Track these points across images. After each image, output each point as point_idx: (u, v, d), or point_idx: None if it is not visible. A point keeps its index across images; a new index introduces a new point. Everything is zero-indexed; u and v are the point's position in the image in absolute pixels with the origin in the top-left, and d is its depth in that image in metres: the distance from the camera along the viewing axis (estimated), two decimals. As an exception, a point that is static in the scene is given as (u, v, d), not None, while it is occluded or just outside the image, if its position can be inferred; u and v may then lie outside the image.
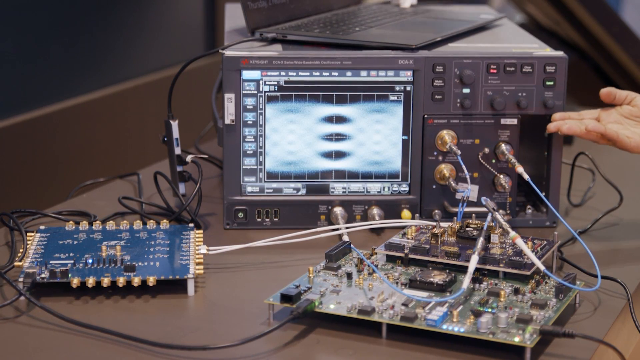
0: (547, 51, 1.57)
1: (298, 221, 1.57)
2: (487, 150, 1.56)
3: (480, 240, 1.32)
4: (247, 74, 1.53)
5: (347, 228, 1.53)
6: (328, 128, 1.56)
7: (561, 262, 1.44)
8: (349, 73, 1.54)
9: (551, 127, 1.52)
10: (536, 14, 2.81)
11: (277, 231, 1.53)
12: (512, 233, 1.32)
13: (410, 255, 1.37)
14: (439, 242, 1.38)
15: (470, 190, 1.52)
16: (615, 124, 1.51)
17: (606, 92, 1.53)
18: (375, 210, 1.57)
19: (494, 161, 1.56)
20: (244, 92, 1.53)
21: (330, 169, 1.57)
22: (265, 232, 1.55)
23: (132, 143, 2.54)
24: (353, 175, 1.57)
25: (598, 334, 1.22)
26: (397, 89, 1.55)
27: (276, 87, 1.54)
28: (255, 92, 1.53)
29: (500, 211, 1.53)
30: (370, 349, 1.21)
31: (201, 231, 1.47)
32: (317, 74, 1.53)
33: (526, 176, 1.49)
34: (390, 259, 1.39)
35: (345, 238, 1.50)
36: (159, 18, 2.75)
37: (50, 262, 1.36)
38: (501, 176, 1.56)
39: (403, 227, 1.47)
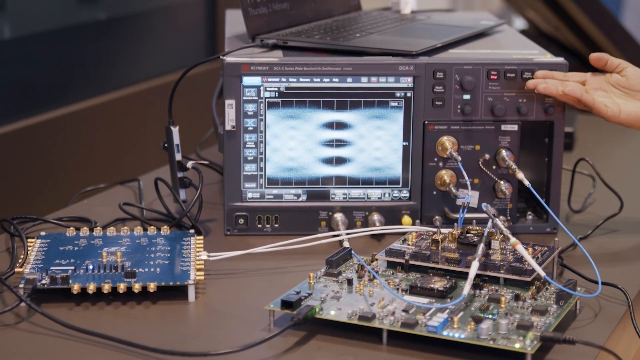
0: (548, 57, 1.57)
1: (298, 227, 1.57)
2: (487, 156, 1.56)
3: (481, 246, 1.32)
4: (247, 80, 1.53)
5: (347, 234, 1.53)
6: (328, 134, 1.56)
7: (562, 269, 1.44)
8: (349, 79, 1.54)
9: (529, 83, 1.51)
10: (536, 20, 2.81)
11: (277, 237, 1.53)
12: (513, 239, 1.32)
13: (411, 262, 1.37)
14: (440, 248, 1.38)
15: (470, 197, 1.52)
16: (599, 90, 1.50)
17: (596, 56, 1.51)
18: (375, 217, 1.57)
19: (494, 167, 1.56)
20: (244, 98, 1.53)
21: (330, 175, 1.57)
22: (265, 238, 1.55)
23: (133, 149, 2.54)
24: (353, 182, 1.57)
25: (599, 340, 1.22)
26: (398, 95, 1.55)
27: (277, 93, 1.54)
28: (256, 98, 1.54)
29: (501, 217, 1.53)
30: (371, 355, 1.21)
31: (202, 237, 1.47)
32: (318, 80, 1.54)
33: (527, 182, 1.49)
34: (390, 265, 1.39)
35: (346, 244, 1.50)
36: (160, 24, 2.76)
37: (51, 268, 1.36)
38: (502, 182, 1.56)
39: (403, 233, 1.47)
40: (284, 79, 1.53)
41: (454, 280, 1.32)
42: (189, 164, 1.58)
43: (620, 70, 1.51)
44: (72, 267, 1.36)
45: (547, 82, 1.49)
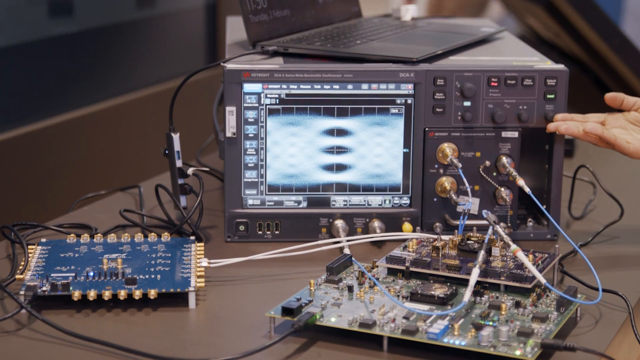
0: (548, 64, 1.57)
1: (299, 234, 1.57)
2: (488, 163, 1.56)
3: (482, 253, 1.32)
4: (248, 87, 1.53)
5: (348, 241, 1.53)
6: (329, 141, 1.56)
7: (562, 275, 1.44)
8: (350, 86, 1.54)
9: (551, 126, 1.53)
10: (537, 27, 2.82)
11: (278, 244, 1.53)
12: (513, 246, 1.32)
13: (412, 268, 1.37)
14: (440, 255, 1.38)
15: (471, 203, 1.52)
16: (619, 128, 1.51)
17: (612, 96, 1.53)
18: (376, 223, 1.57)
19: (495, 174, 1.56)
20: (245, 105, 1.54)
21: (331, 181, 1.57)
22: (266, 244, 1.55)
23: (134, 156, 2.54)
24: (354, 188, 1.57)
25: (599, 347, 1.22)
26: (398, 101, 1.55)
27: (277, 100, 1.54)
28: (257, 105, 1.54)
29: (502, 224, 1.53)
30: (372, 362, 1.21)
31: (202, 244, 1.47)
32: (319, 86, 1.54)
33: (527, 189, 1.49)
34: (391, 272, 1.39)
35: (347, 251, 1.50)
36: (161, 31, 2.76)
37: (52, 275, 1.36)
38: (502, 189, 1.56)
39: (404, 240, 1.47)
40: (284, 86, 1.53)
41: (454, 287, 1.32)
42: (190, 171, 1.58)
43: (638, 108, 1.52)
44: (73, 274, 1.36)
45: (567, 124, 1.51)
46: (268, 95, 1.53)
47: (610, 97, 1.53)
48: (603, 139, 1.49)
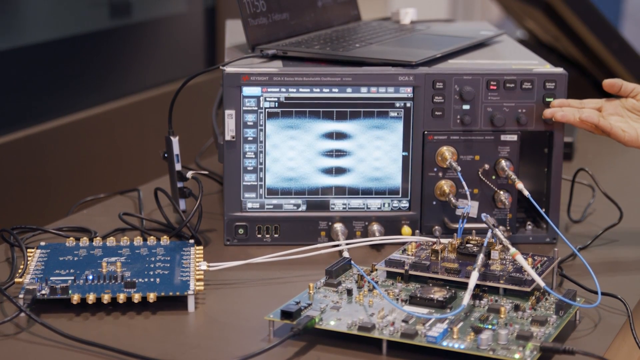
0: (547, 68, 1.57)
1: (298, 237, 1.57)
2: (487, 166, 1.56)
3: (481, 256, 1.32)
4: (247, 90, 1.53)
5: (347, 244, 1.53)
6: (328, 144, 1.56)
7: (561, 279, 1.44)
8: (349, 89, 1.54)
9: (547, 112, 1.52)
10: (536, 30, 2.82)
11: (277, 247, 1.53)
12: (512, 249, 1.32)
13: (411, 272, 1.37)
14: (439, 258, 1.38)
15: (470, 207, 1.52)
16: (615, 115, 1.51)
17: (610, 82, 1.52)
18: (375, 227, 1.57)
19: (494, 177, 1.56)
20: (244, 108, 1.54)
21: (330, 185, 1.57)
22: (265, 248, 1.55)
23: (133, 159, 2.54)
24: (353, 192, 1.57)
25: (598, 351, 1.22)
26: (397, 105, 1.55)
27: (276, 104, 1.54)
28: (256, 108, 1.54)
29: (501, 227, 1.53)
30: (371, 366, 1.21)
31: (201, 247, 1.47)
32: (318, 90, 1.54)
33: (526, 192, 1.49)
34: (390, 275, 1.39)
35: (346, 254, 1.50)
36: (160, 34, 2.76)
37: (51, 278, 1.36)
38: (501, 192, 1.56)
39: (403, 244, 1.47)
40: (283, 89, 1.53)
41: (453, 291, 1.32)
42: (189, 174, 1.59)
43: (635, 95, 1.52)
44: (72, 277, 1.36)
45: (564, 110, 1.50)
46: (267, 99, 1.54)
47: (608, 83, 1.53)
48: (599, 127, 1.49)
